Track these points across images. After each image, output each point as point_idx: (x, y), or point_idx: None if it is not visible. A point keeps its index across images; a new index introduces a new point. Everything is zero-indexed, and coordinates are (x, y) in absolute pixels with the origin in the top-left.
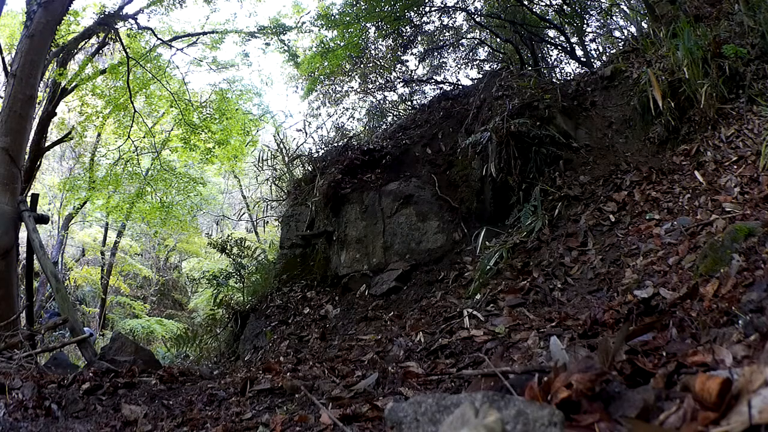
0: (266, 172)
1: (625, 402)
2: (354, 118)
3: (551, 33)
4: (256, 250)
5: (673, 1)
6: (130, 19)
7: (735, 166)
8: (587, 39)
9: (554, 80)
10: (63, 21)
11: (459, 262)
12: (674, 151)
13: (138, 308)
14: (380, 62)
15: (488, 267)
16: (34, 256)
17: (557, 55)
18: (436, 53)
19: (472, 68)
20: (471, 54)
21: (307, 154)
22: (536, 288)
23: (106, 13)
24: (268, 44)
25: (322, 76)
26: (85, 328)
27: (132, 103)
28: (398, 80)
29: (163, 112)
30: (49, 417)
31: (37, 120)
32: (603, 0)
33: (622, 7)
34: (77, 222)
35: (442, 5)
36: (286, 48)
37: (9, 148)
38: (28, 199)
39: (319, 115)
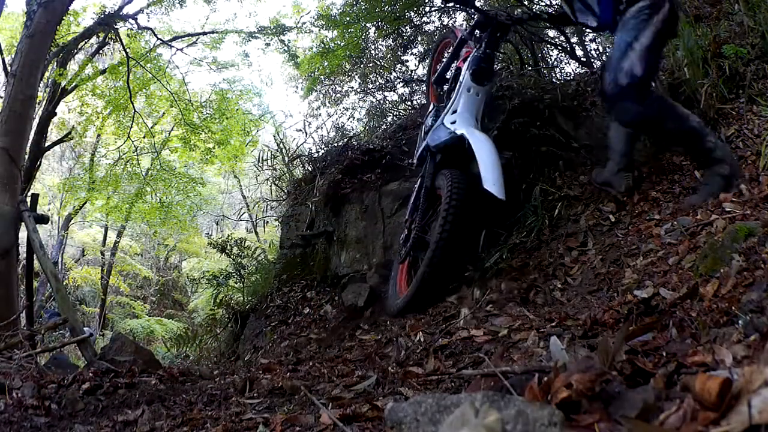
0: (266, 172)
1: (625, 402)
2: (354, 118)
3: (551, 33)
4: (256, 250)
5: None
6: (130, 20)
7: None
8: (587, 39)
9: (554, 80)
10: (63, 21)
11: (459, 262)
12: (674, 151)
13: (138, 308)
14: (380, 62)
15: (488, 267)
16: (34, 256)
17: (557, 55)
18: None
19: None
20: None
21: (307, 154)
22: (536, 288)
23: (106, 13)
24: (268, 44)
25: (322, 76)
26: (85, 328)
27: (132, 103)
28: (398, 80)
29: (164, 113)
30: (49, 417)
31: (37, 120)
32: None
33: None
34: (77, 222)
35: (442, 5)
36: (285, 48)
37: (9, 148)
38: (28, 199)
39: (319, 115)
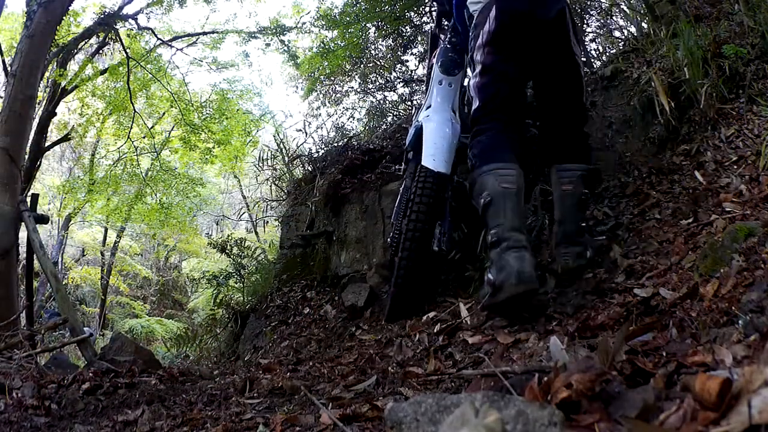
0: (266, 172)
1: (625, 402)
2: (354, 118)
3: None
4: (256, 250)
5: (673, 1)
6: (130, 20)
7: (735, 166)
8: (587, 39)
9: None
10: (63, 21)
11: (459, 262)
12: (674, 151)
13: (138, 308)
14: (380, 62)
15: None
16: (34, 256)
17: None
18: None
19: None
20: None
21: (307, 154)
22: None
23: (106, 13)
24: (268, 44)
25: (322, 77)
26: (85, 328)
27: (132, 103)
28: (398, 80)
29: (164, 113)
30: (49, 417)
31: (37, 120)
32: (603, 0)
33: (622, 7)
34: (77, 222)
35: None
36: (286, 48)
37: (9, 148)
38: (28, 199)
39: (319, 115)
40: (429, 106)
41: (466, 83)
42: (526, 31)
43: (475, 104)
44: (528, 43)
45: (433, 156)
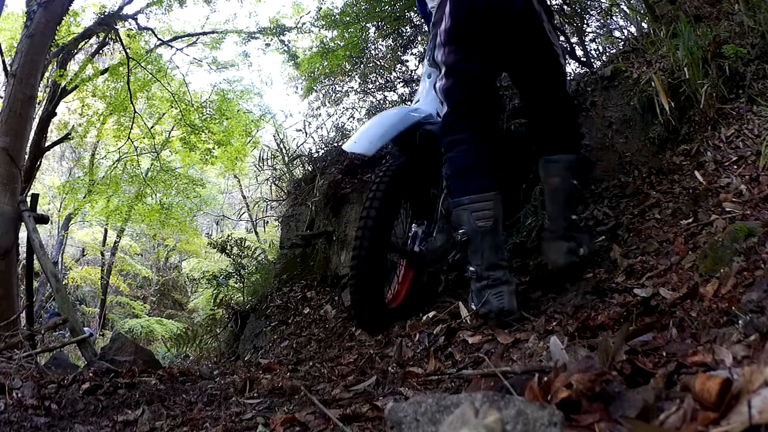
0: (266, 172)
1: (625, 402)
2: (354, 118)
3: None
4: (256, 250)
5: (673, 1)
6: (129, 20)
7: (735, 166)
8: (587, 39)
9: None
10: (63, 21)
11: (459, 262)
12: (674, 151)
13: (138, 308)
14: (380, 62)
15: None
16: (34, 256)
17: None
18: None
19: None
20: None
21: (307, 154)
22: (536, 288)
23: (106, 13)
24: (268, 44)
25: (321, 76)
26: (85, 328)
27: (132, 104)
28: (398, 80)
29: (164, 114)
30: (49, 417)
31: (37, 120)
32: (603, 0)
33: (622, 7)
34: (77, 222)
35: None
36: (285, 48)
37: (9, 148)
38: (28, 199)
39: (319, 115)
40: (418, 101)
41: (434, 85)
42: (486, 26)
43: (445, 109)
44: (491, 38)
45: (355, 140)
